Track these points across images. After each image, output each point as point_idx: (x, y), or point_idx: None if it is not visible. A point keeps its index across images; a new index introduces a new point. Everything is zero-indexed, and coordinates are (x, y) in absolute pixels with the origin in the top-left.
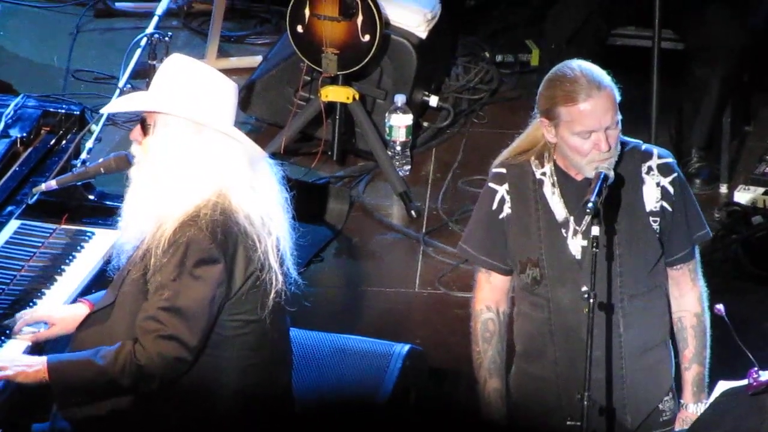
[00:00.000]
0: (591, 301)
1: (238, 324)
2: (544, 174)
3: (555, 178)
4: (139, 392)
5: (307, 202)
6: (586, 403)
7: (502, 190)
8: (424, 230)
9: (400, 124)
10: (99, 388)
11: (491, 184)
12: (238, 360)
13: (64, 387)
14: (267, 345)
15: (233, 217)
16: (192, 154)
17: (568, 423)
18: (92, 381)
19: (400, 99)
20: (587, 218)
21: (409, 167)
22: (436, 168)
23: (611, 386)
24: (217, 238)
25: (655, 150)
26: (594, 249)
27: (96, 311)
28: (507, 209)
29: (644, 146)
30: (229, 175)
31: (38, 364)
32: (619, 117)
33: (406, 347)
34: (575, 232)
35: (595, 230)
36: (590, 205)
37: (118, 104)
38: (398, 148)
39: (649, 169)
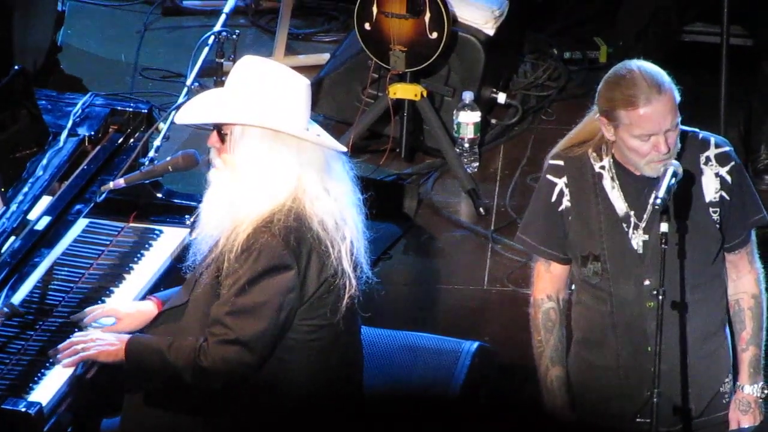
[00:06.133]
0: (660, 298)
1: (310, 329)
2: (603, 168)
3: (614, 172)
4: (202, 389)
5: (376, 200)
6: (656, 400)
7: (561, 182)
8: (492, 227)
9: (468, 121)
10: (164, 378)
11: (549, 176)
12: (309, 363)
13: (136, 370)
14: (338, 348)
15: (307, 222)
16: (269, 160)
17: (638, 420)
18: (159, 370)
19: (468, 96)
20: (648, 213)
21: (477, 164)
22: (504, 165)
23: (683, 377)
24: (290, 244)
25: (712, 139)
26: (663, 246)
27: (169, 309)
28: (566, 202)
29: (701, 135)
30: (304, 179)
31: (120, 343)
32: (679, 118)
33: (476, 344)
34: (636, 227)
35: (664, 227)
36: (659, 201)
37: (194, 115)
38: (466, 145)
39: (707, 159)
